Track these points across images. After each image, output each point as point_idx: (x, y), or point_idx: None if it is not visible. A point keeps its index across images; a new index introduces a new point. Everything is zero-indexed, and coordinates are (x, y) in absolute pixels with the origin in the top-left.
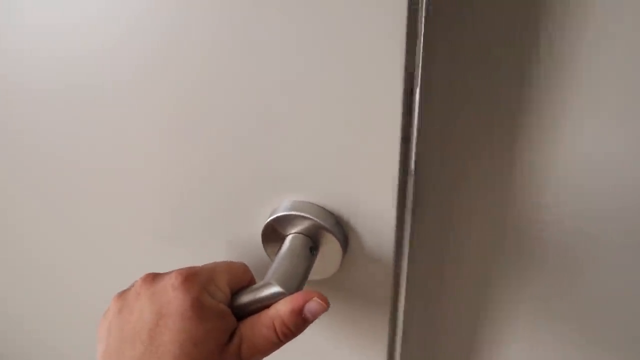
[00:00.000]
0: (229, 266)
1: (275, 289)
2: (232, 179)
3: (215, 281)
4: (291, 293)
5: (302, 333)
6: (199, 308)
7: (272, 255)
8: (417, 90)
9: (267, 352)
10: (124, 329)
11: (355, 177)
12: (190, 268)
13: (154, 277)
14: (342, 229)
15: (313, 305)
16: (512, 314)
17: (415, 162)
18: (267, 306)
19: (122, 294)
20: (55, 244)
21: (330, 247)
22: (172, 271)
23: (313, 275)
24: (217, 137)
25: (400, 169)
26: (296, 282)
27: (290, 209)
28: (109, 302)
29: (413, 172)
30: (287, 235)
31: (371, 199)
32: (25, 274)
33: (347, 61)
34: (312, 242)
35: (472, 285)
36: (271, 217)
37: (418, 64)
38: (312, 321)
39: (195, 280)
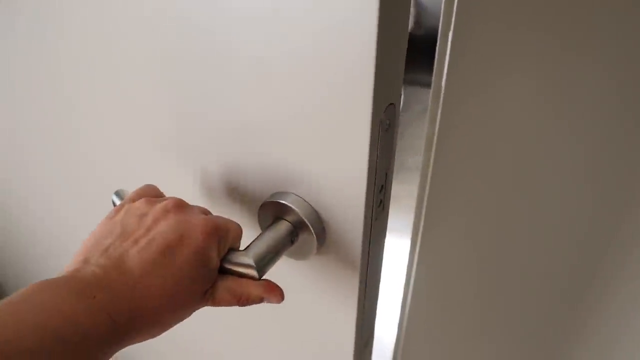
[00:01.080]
0: (237, 232)
1: (250, 261)
2: (243, 171)
3: (226, 237)
4: (259, 269)
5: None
6: (210, 255)
7: (262, 226)
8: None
9: (226, 306)
10: (136, 241)
11: (335, 181)
12: (216, 220)
13: (185, 206)
14: (321, 224)
15: (273, 298)
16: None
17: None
18: (238, 272)
19: (135, 209)
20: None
21: (308, 237)
22: (203, 215)
23: (290, 256)
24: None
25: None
26: (267, 262)
27: (281, 199)
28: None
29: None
30: (277, 218)
31: (345, 202)
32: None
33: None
34: (294, 229)
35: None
36: (266, 200)
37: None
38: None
39: (216, 227)
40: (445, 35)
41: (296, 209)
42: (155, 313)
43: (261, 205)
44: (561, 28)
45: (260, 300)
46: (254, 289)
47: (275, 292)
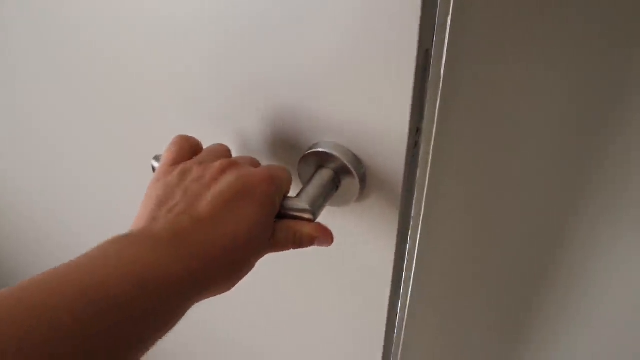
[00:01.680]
0: (290, 179)
1: (305, 206)
2: (280, 119)
3: (281, 187)
4: (314, 212)
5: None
6: (273, 202)
7: (302, 178)
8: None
9: (282, 250)
10: (202, 194)
11: (374, 124)
12: (273, 168)
13: (238, 162)
14: (362, 170)
15: (322, 240)
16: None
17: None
18: (294, 217)
19: (190, 164)
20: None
21: (350, 183)
22: (262, 166)
23: (332, 204)
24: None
25: (411, 123)
26: (319, 206)
27: (323, 148)
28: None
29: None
30: (318, 167)
31: (386, 147)
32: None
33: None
34: (337, 176)
35: (480, 226)
36: (307, 151)
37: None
38: (314, 246)
39: (275, 177)
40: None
41: (339, 156)
42: (230, 261)
43: (302, 157)
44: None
45: (312, 241)
46: (308, 230)
47: (326, 233)
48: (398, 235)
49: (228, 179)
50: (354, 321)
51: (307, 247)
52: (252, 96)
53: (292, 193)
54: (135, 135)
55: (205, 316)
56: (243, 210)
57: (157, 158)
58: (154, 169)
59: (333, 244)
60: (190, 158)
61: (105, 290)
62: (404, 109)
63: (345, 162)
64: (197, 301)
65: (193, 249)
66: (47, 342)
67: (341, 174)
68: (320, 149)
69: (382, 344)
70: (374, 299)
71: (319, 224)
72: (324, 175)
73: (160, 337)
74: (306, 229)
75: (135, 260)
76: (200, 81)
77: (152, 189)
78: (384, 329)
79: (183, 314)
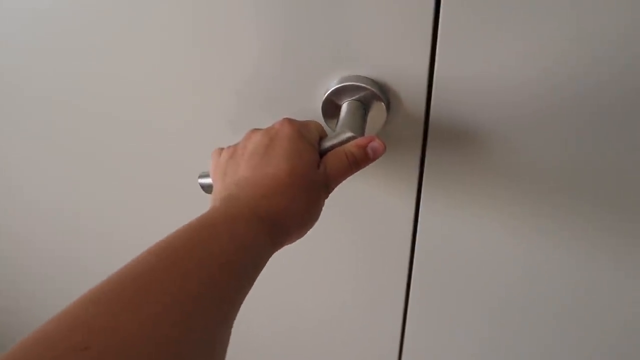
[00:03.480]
0: (317, 124)
1: (349, 133)
2: (292, 62)
3: (308, 128)
4: (359, 136)
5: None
6: (301, 135)
7: (330, 124)
8: None
9: (343, 175)
10: (239, 162)
11: (394, 49)
12: (294, 118)
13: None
14: (386, 94)
15: (374, 144)
16: None
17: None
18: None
19: (229, 147)
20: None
21: (376, 108)
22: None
23: None
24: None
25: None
26: (361, 130)
27: (344, 82)
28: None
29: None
30: (342, 104)
31: (408, 65)
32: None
33: None
34: (365, 105)
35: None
36: (329, 91)
37: None
38: (372, 158)
39: (295, 121)
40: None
41: (365, 85)
42: (287, 197)
43: (327, 94)
44: None
45: (366, 154)
46: (356, 146)
47: (375, 139)
48: (420, 163)
49: (254, 140)
50: (377, 263)
51: (364, 163)
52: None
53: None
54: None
55: None
56: (274, 152)
57: (202, 175)
58: (202, 186)
59: (360, 170)
60: None
61: (227, 258)
62: (425, 29)
63: (372, 89)
64: (275, 251)
65: (260, 217)
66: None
67: (368, 103)
68: (345, 83)
69: (406, 281)
70: (399, 223)
71: (362, 137)
72: (354, 105)
73: (246, 290)
74: (354, 146)
75: (238, 234)
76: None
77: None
78: (406, 269)
79: (261, 268)
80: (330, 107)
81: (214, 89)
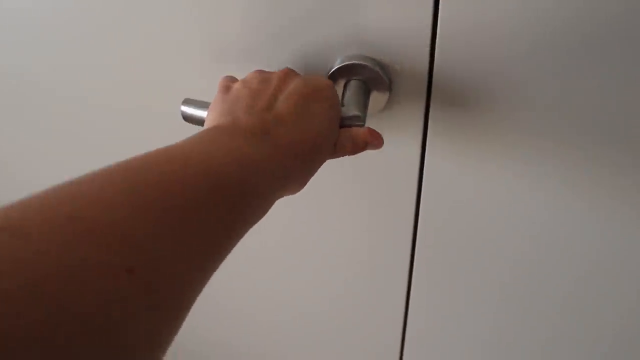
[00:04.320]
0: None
1: (357, 112)
2: (299, 40)
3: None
4: (363, 118)
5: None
6: (338, 105)
7: None
8: None
9: (342, 155)
10: (275, 95)
11: (396, 30)
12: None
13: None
14: (388, 74)
15: (376, 141)
16: None
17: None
18: (347, 124)
19: (259, 74)
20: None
21: (379, 88)
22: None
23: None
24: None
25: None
26: (366, 111)
27: (351, 60)
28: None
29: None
30: (347, 81)
31: (409, 47)
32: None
33: None
34: (366, 86)
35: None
36: (334, 67)
37: None
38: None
39: (334, 90)
40: None
41: (367, 64)
42: (308, 158)
43: (331, 73)
44: None
45: (365, 145)
46: (363, 135)
47: (377, 136)
48: (422, 142)
49: (296, 82)
50: (380, 234)
51: (361, 151)
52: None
53: None
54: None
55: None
56: (317, 110)
57: (186, 101)
58: (184, 114)
59: (362, 154)
60: None
61: (217, 170)
62: (426, 9)
63: (374, 68)
64: (278, 197)
65: (280, 142)
66: (176, 208)
67: (370, 82)
68: (347, 62)
69: (409, 262)
70: (399, 214)
71: (370, 129)
72: (357, 85)
73: (249, 228)
74: (361, 134)
75: (237, 148)
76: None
77: (218, 101)
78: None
79: (268, 208)
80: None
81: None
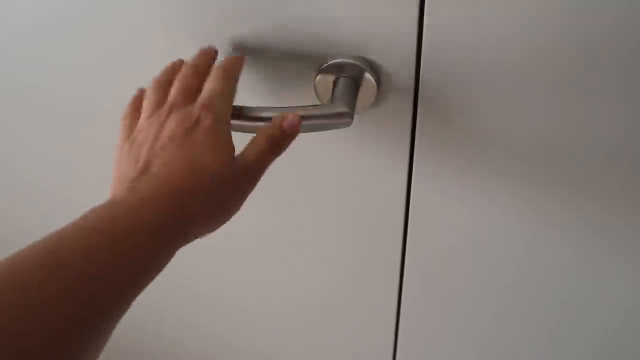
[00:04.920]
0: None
1: (345, 108)
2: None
3: (229, 104)
4: (352, 114)
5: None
6: (221, 123)
7: (322, 98)
8: None
9: (265, 161)
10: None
11: (383, 25)
12: (214, 88)
13: (181, 105)
14: (376, 71)
15: (289, 120)
16: None
17: None
18: (334, 123)
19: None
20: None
21: (367, 85)
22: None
23: None
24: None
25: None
26: (354, 108)
27: (339, 58)
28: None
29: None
30: (337, 78)
31: (395, 43)
32: None
33: None
34: (356, 82)
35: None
36: (322, 66)
37: None
38: (291, 134)
39: (215, 107)
40: None
41: (355, 62)
42: (203, 191)
43: (319, 71)
44: None
45: (282, 132)
46: (272, 127)
47: (287, 114)
48: (411, 139)
49: (167, 129)
50: (369, 241)
51: (284, 142)
52: (262, 12)
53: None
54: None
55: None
56: (191, 144)
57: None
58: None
59: (353, 149)
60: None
61: (71, 246)
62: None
63: (362, 66)
64: (183, 241)
65: (157, 191)
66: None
67: (358, 80)
68: (336, 60)
69: (400, 259)
70: (389, 211)
71: (276, 115)
72: (345, 82)
73: (146, 282)
74: (271, 127)
75: (100, 217)
76: None
77: (113, 171)
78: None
79: (166, 258)
80: (323, 85)
81: None
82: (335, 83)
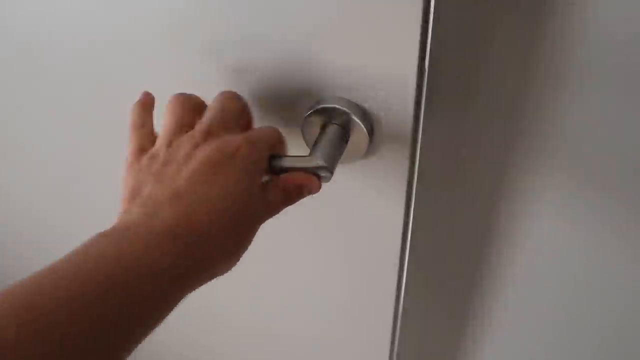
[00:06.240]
0: (278, 138)
1: (320, 162)
2: (278, 79)
3: (268, 151)
4: (330, 168)
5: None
6: (258, 165)
7: (306, 137)
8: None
9: (281, 208)
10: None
11: (380, 73)
12: (257, 132)
13: (215, 130)
14: (370, 123)
15: (311, 187)
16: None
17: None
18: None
19: (167, 143)
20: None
21: (358, 135)
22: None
23: (341, 161)
24: None
25: (418, 70)
26: (335, 161)
27: (329, 103)
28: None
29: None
30: (323, 125)
31: (393, 94)
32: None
33: None
34: (345, 131)
35: (487, 176)
36: (311, 110)
37: None
38: (305, 196)
39: (257, 146)
40: None
41: (346, 110)
42: (223, 234)
43: (306, 116)
44: None
45: (300, 189)
46: (289, 180)
47: (311, 179)
48: (408, 188)
49: (203, 151)
50: (363, 282)
51: (298, 198)
52: (250, 53)
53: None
54: None
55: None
56: (225, 180)
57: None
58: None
59: (344, 201)
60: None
61: (68, 290)
62: (411, 55)
63: (353, 114)
64: (193, 286)
65: (173, 231)
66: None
67: (349, 128)
68: (325, 105)
69: (393, 302)
70: (384, 256)
71: (301, 176)
72: (332, 131)
73: (151, 328)
74: (290, 179)
75: (103, 255)
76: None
77: (123, 181)
78: (394, 287)
79: (174, 303)
80: (311, 129)
81: None
82: (323, 129)
